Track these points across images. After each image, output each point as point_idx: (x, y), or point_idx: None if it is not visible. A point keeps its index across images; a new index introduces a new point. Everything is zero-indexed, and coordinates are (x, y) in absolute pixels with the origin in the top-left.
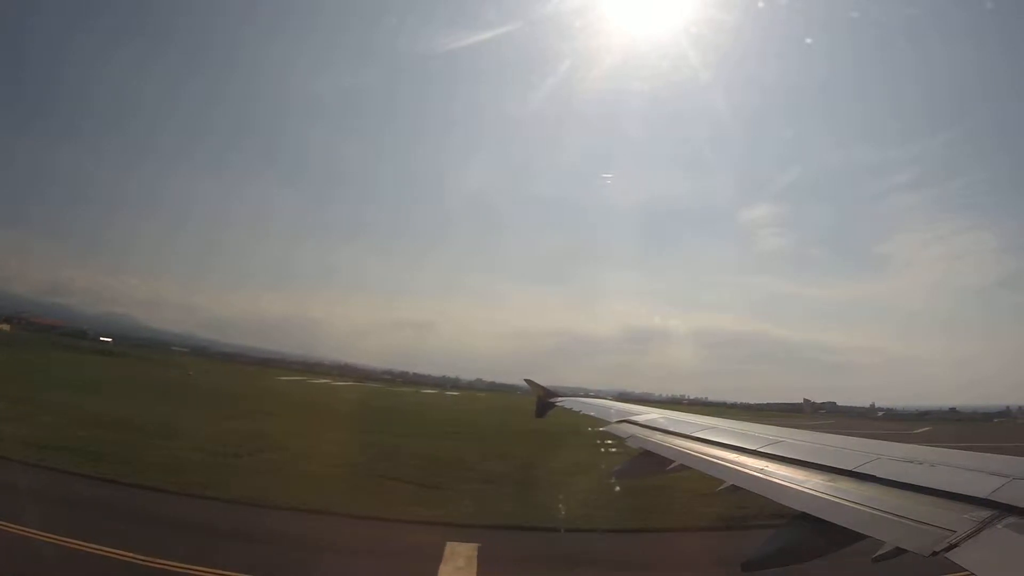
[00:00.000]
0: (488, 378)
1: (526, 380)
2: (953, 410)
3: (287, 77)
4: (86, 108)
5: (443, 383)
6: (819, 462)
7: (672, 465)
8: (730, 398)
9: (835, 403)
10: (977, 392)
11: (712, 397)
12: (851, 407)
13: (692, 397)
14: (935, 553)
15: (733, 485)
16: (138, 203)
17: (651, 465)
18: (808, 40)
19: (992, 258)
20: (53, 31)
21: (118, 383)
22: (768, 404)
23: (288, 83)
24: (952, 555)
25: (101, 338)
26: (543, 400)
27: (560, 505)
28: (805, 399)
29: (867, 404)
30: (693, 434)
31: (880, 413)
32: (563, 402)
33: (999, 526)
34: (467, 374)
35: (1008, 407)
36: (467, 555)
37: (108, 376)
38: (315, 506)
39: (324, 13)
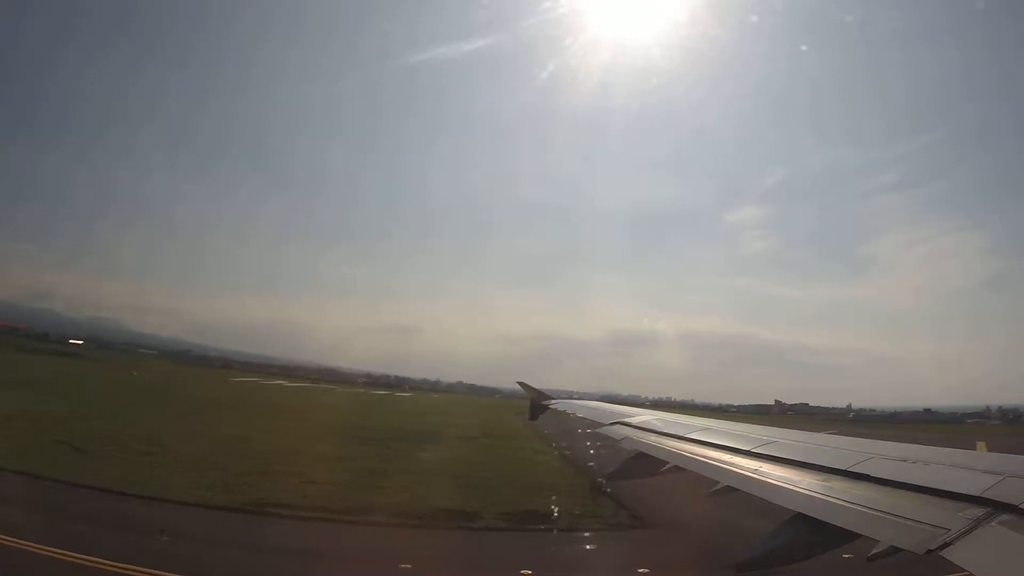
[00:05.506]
0: (470, 381)
1: (519, 383)
2: (928, 411)
3: (273, 82)
4: (71, 113)
5: (422, 386)
6: (813, 462)
7: (666, 466)
8: (717, 400)
9: (807, 404)
10: (961, 393)
11: (699, 400)
12: (826, 408)
13: (678, 400)
14: (930, 551)
15: (728, 486)
16: (124, 208)
17: (645, 467)
18: (803, 46)
19: (977, 259)
20: (38, 35)
21: (24, 380)
22: (742, 406)
23: (275, 88)
24: (946, 553)
25: (70, 341)
26: (536, 402)
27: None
28: (776, 400)
29: (844, 405)
30: (687, 435)
31: (851, 415)
32: (556, 404)
33: (993, 524)
34: (451, 377)
35: (988, 407)
36: None
37: (25, 374)
38: None
39: (311, 17)
